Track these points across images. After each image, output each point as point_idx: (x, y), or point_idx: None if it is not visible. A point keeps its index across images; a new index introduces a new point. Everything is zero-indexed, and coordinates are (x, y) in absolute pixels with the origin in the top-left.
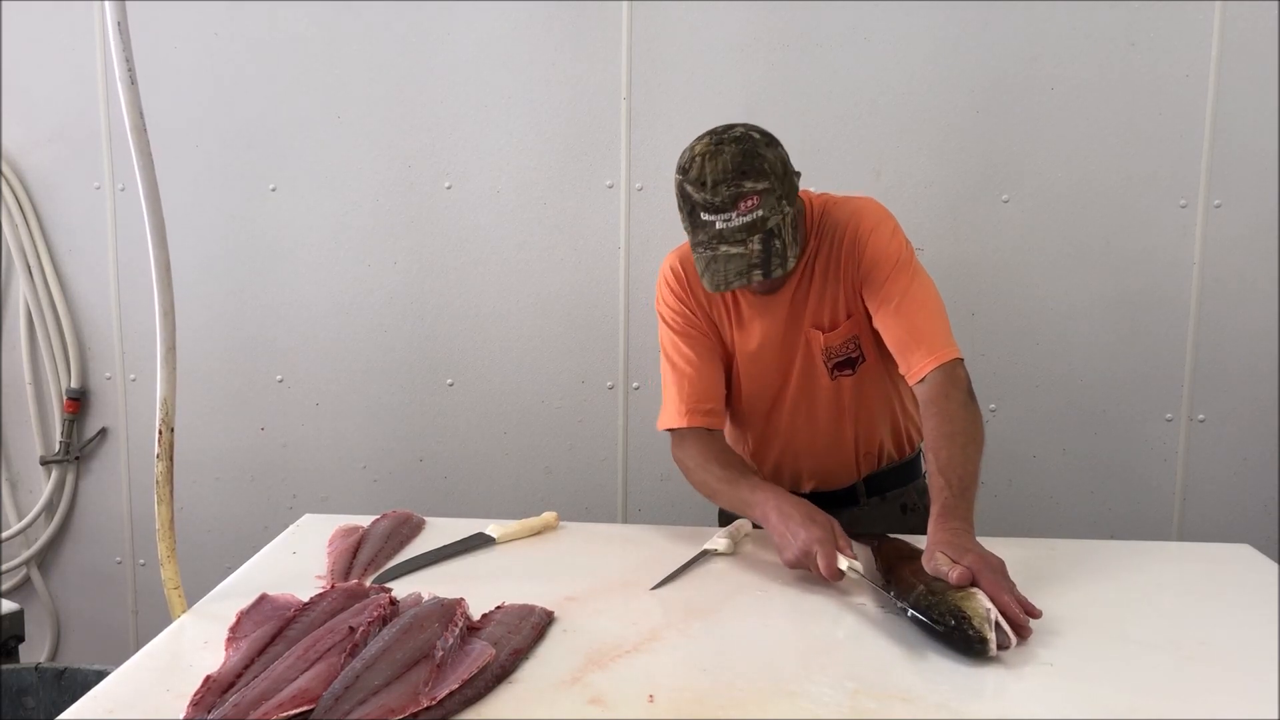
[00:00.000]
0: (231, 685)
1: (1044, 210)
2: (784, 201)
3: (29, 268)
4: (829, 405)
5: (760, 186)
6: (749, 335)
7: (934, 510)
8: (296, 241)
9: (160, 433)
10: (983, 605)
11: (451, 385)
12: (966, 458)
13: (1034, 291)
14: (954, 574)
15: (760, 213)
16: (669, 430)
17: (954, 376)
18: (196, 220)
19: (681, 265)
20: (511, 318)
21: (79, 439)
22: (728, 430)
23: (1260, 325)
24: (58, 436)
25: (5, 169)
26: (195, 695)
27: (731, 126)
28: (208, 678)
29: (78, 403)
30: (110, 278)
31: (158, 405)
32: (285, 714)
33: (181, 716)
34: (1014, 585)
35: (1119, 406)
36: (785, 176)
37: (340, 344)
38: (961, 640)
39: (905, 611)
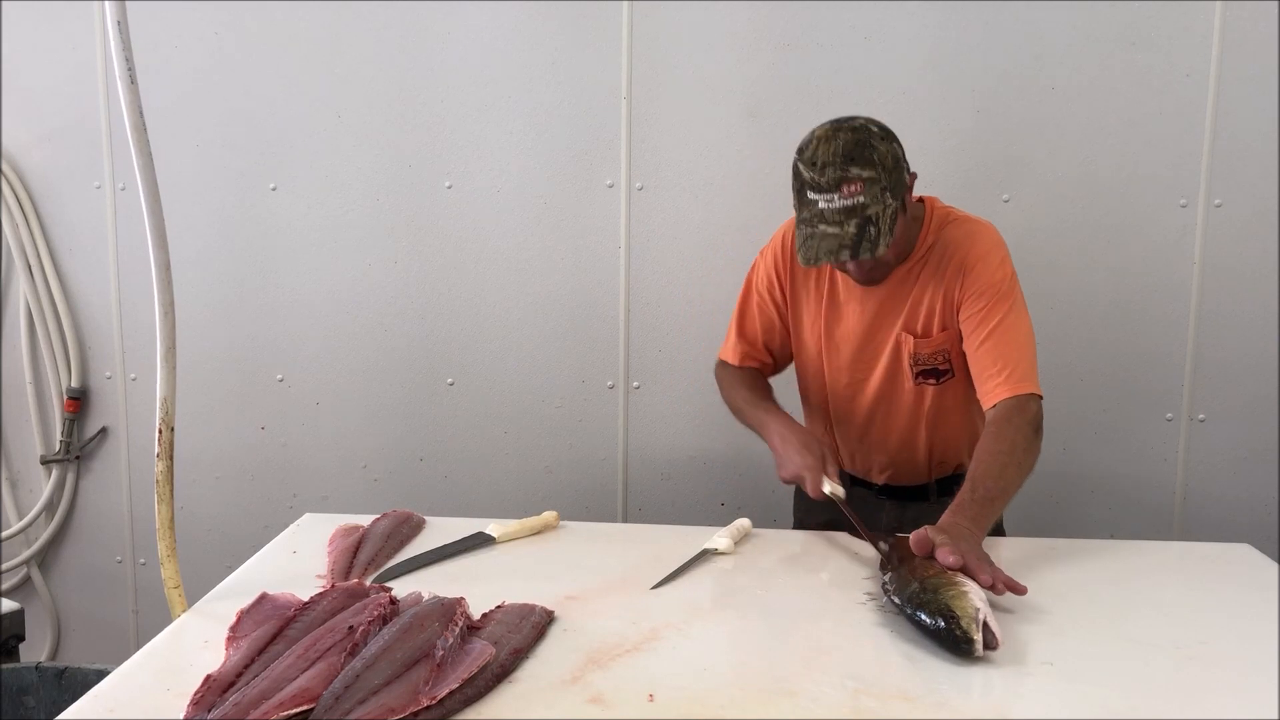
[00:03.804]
0: (232, 684)
1: (1044, 210)
2: (888, 194)
3: (29, 267)
4: (908, 409)
5: (866, 174)
6: (839, 318)
7: (950, 507)
8: (297, 241)
9: (160, 432)
10: (972, 606)
11: (452, 385)
12: (1002, 474)
13: (1034, 291)
14: (940, 551)
15: (862, 199)
16: (722, 359)
17: (1024, 408)
18: (197, 219)
19: (788, 242)
20: (512, 317)
21: (79, 438)
22: (814, 416)
23: (1260, 325)
24: (58, 436)
25: (5, 168)
26: (195, 694)
27: (855, 117)
28: (208, 677)
29: (78, 402)
30: (110, 277)
31: (158, 405)
32: (285, 713)
33: (181, 716)
34: (998, 570)
35: (1119, 406)
36: (894, 170)
37: (340, 343)
38: (949, 639)
39: (900, 608)
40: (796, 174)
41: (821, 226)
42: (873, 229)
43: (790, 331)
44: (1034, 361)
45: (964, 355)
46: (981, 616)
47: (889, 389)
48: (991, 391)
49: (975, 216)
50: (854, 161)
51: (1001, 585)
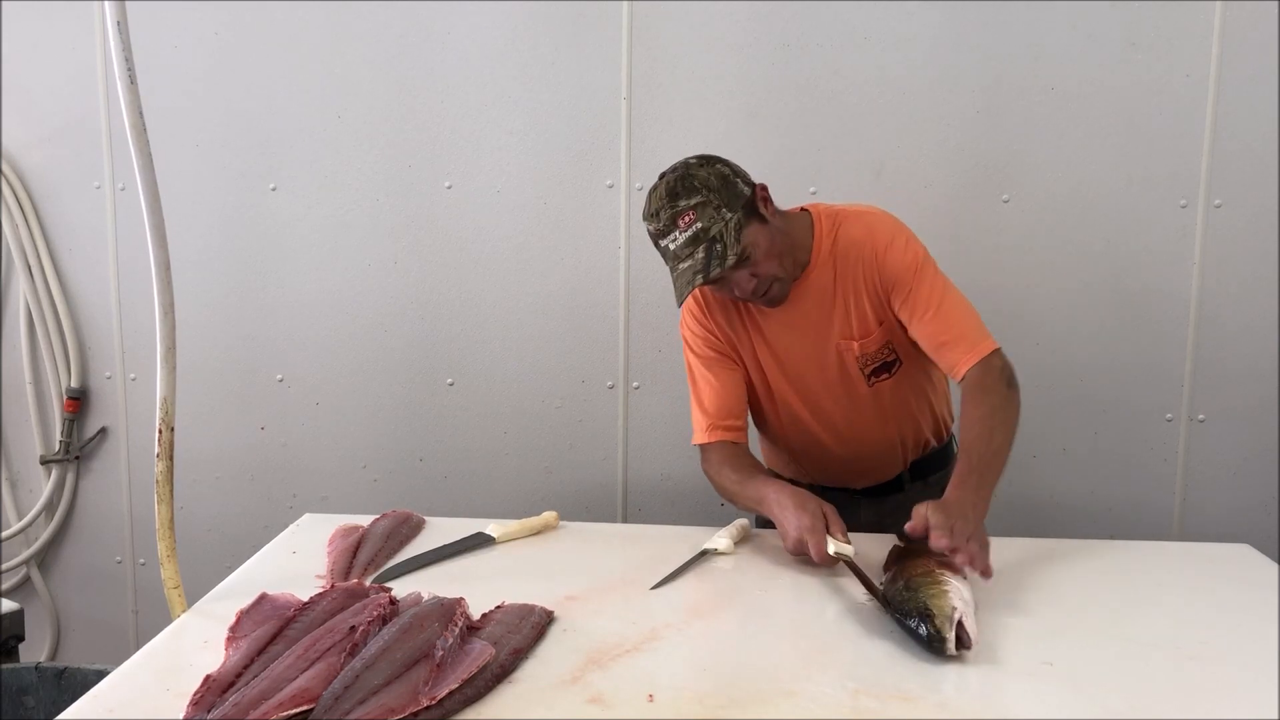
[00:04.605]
0: (231, 685)
1: (1044, 210)
2: (723, 209)
3: (29, 267)
4: (871, 412)
5: (693, 201)
6: (774, 352)
7: (950, 481)
8: (297, 241)
9: (160, 432)
10: (949, 605)
11: (451, 385)
12: (991, 437)
13: (1034, 292)
14: (933, 535)
15: (700, 225)
16: (698, 445)
17: (990, 367)
18: (196, 220)
19: (700, 291)
20: (512, 317)
21: (79, 438)
22: (766, 444)
23: (1260, 325)
24: (58, 436)
25: (5, 169)
26: (195, 695)
27: (679, 161)
28: (208, 677)
29: (78, 402)
30: (110, 277)
31: (158, 405)
32: (285, 713)
33: (181, 716)
34: (981, 542)
35: (1119, 406)
36: (722, 189)
37: (340, 343)
38: (924, 637)
39: (885, 606)
40: (648, 233)
41: (679, 266)
42: (719, 246)
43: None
44: (977, 318)
45: (909, 342)
46: (957, 615)
47: (847, 399)
48: (955, 364)
49: (864, 207)
50: (678, 196)
51: (973, 567)
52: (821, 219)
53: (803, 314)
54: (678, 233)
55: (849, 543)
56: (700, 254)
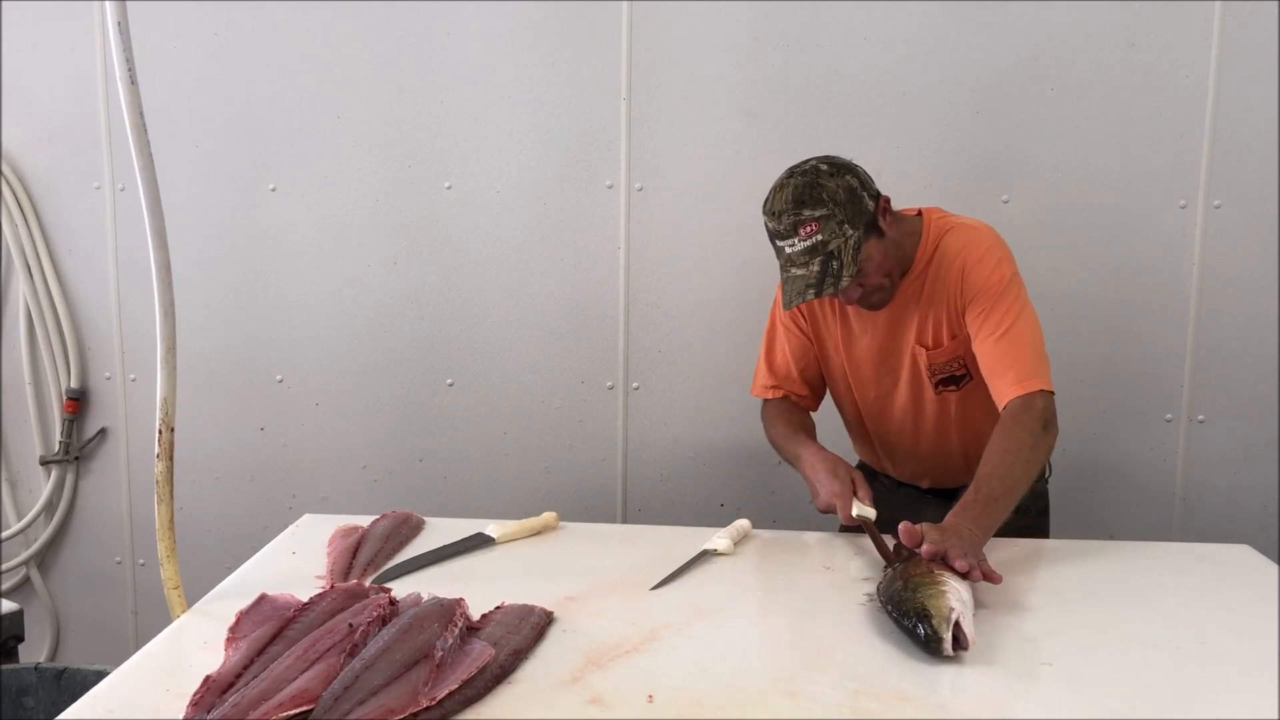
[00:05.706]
0: (231, 685)
1: (1044, 210)
2: (845, 225)
3: (29, 268)
4: (935, 417)
5: (818, 214)
6: (857, 344)
7: (954, 507)
8: (296, 241)
9: (160, 433)
10: (947, 605)
11: (451, 385)
12: (1008, 473)
13: (1033, 292)
14: (908, 538)
15: (820, 237)
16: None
17: (1030, 406)
18: (196, 220)
19: None
20: (511, 318)
21: (79, 439)
22: (853, 430)
23: (1260, 325)
24: (57, 436)
25: (5, 169)
26: (195, 695)
27: (808, 160)
28: (207, 678)
29: (77, 403)
30: (110, 278)
31: (158, 405)
32: (285, 714)
33: (181, 716)
34: (982, 559)
35: (1118, 407)
36: (849, 203)
37: (340, 344)
38: (920, 637)
39: (883, 605)
40: (765, 226)
41: (792, 270)
42: (835, 263)
43: (819, 354)
44: (1041, 357)
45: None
46: (954, 616)
47: (914, 401)
48: (1001, 392)
49: (973, 221)
50: (805, 204)
51: (978, 573)
52: (931, 227)
53: (888, 312)
54: (797, 240)
55: (873, 507)
56: (816, 267)
